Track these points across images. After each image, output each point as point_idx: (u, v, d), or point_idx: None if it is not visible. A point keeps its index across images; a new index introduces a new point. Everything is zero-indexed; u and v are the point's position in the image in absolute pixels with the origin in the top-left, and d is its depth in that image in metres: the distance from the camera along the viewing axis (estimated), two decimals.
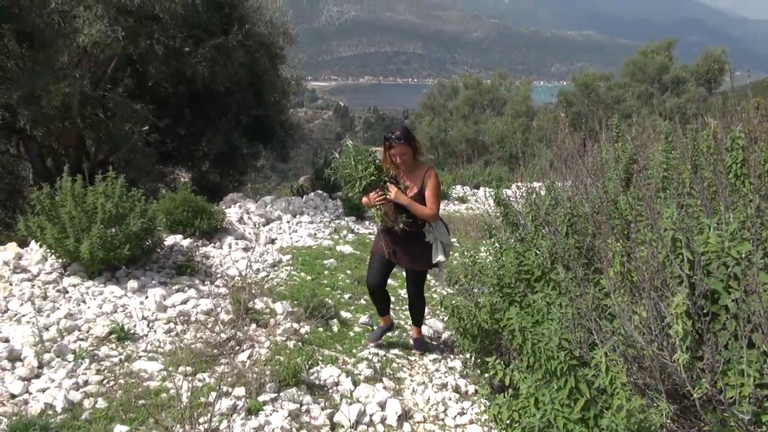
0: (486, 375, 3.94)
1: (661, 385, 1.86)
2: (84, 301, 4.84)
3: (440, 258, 4.14)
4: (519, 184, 5.80)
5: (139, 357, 3.99)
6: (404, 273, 4.60)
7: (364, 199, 4.05)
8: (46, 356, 3.76)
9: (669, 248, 1.92)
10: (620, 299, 2.11)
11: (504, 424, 2.66)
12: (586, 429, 2.23)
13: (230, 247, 7.02)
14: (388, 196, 3.92)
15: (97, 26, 8.68)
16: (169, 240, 6.57)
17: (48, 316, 4.44)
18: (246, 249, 6.99)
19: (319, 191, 10.97)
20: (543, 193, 4.37)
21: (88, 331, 4.26)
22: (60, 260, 5.41)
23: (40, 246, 5.38)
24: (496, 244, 3.99)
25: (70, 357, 3.80)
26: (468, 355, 3.99)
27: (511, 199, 4.44)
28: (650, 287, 1.92)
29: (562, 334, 2.47)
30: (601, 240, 2.69)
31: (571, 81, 30.64)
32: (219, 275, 5.97)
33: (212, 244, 7.05)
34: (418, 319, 4.65)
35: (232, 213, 8.60)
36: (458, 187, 14.41)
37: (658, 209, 2.45)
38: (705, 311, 1.89)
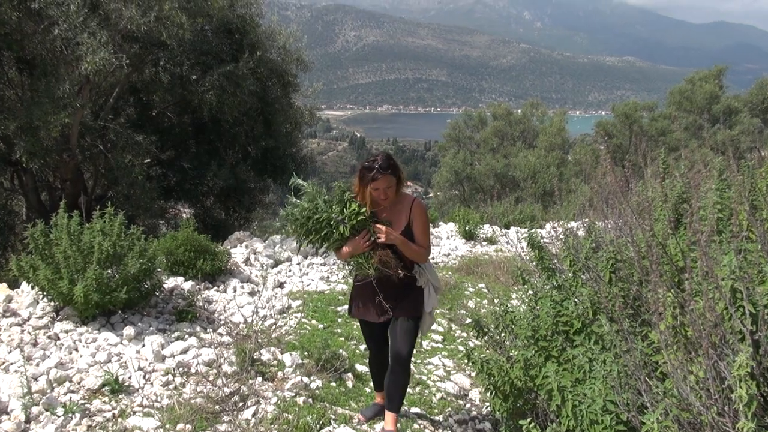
0: None
1: None
2: (76, 349, 4.87)
3: (434, 304, 3.76)
4: (554, 223, 5.78)
5: (134, 412, 3.98)
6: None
7: (345, 249, 3.46)
8: (35, 409, 3.77)
9: (728, 300, 1.89)
10: (673, 356, 2.06)
11: None
12: None
13: (235, 290, 7.05)
14: (379, 239, 3.43)
15: (101, 53, 9.01)
16: (170, 282, 6.63)
17: (38, 364, 4.47)
18: (252, 293, 7.01)
19: None
20: (582, 234, 4.34)
21: (79, 383, 4.28)
22: (52, 303, 5.48)
23: (32, 287, 5.46)
24: (530, 291, 3.95)
25: (60, 411, 3.81)
26: (499, 417, 3.92)
27: (546, 240, 4.42)
28: (708, 344, 1.88)
29: (606, 395, 2.42)
30: (650, 288, 2.66)
31: (611, 111, 30.76)
32: (222, 322, 5.99)
33: (216, 288, 7.10)
34: (397, 399, 3.76)
35: (238, 253, 8.67)
36: (486, 226, 14.37)
37: (714, 255, 2.43)
38: None
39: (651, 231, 3.63)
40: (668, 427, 2.01)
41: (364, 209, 3.39)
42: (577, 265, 3.65)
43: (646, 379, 2.40)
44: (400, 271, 3.46)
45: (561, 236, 4.14)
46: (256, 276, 7.79)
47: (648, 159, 5.86)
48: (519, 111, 33.51)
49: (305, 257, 9.05)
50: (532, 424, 2.95)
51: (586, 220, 4.62)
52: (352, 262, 3.52)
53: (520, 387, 3.51)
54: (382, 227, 3.43)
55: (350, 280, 8.15)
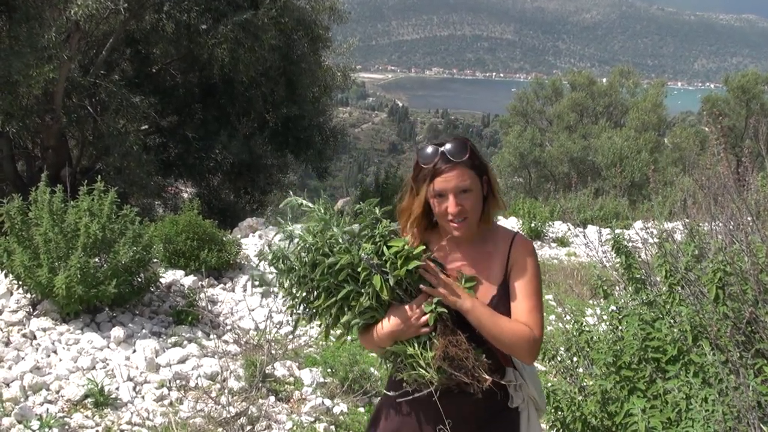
0: None
1: None
2: (55, 351, 5.02)
3: None
4: (645, 223, 5.68)
5: (122, 431, 4.09)
6: None
7: (385, 328, 2.18)
8: (5, 421, 3.91)
9: None
10: None
11: None
12: None
13: (245, 290, 7.16)
14: (450, 300, 2.13)
15: None
16: (167, 276, 6.76)
17: (10, 368, 4.63)
18: (266, 294, 7.11)
19: None
20: (681, 238, 4.27)
21: (58, 392, 4.42)
22: (29, 295, 5.65)
23: (6, 275, 5.64)
24: (613, 307, 3.91)
25: (35, 424, 3.94)
26: None
27: (634, 244, 4.36)
28: None
29: None
30: None
31: (723, 83, 30.02)
32: (229, 327, 6.10)
33: (222, 285, 7.22)
34: None
35: (250, 244, 8.80)
36: (557, 224, 14.26)
37: None
38: None
39: None
40: None
41: (420, 249, 2.12)
42: (674, 277, 3.60)
43: (761, 424, 2.36)
44: (486, 377, 2.10)
45: (654, 240, 4.09)
46: (271, 273, 7.88)
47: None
48: (604, 80, 33.01)
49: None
50: None
51: (687, 220, 4.55)
52: (394, 355, 2.23)
53: (594, 425, 3.49)
54: (453, 284, 2.16)
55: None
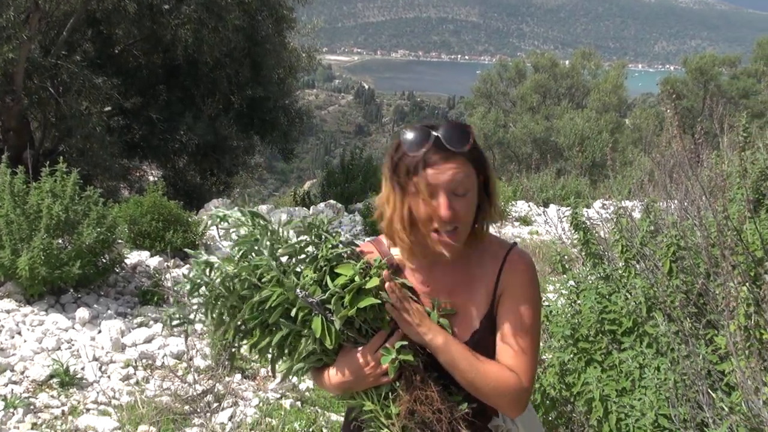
0: None
1: None
2: (20, 333, 4.96)
3: None
4: (604, 201, 5.76)
5: (88, 410, 4.07)
6: None
7: (335, 377, 1.67)
8: None
9: None
10: (744, 364, 2.09)
11: None
12: None
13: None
14: (416, 336, 1.63)
15: None
16: (132, 257, 6.71)
17: None
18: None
19: (332, 201, 11.09)
20: (638, 215, 4.35)
21: (23, 373, 4.37)
22: None
23: None
24: (571, 282, 3.98)
25: (0, 404, 3.90)
26: None
27: (593, 222, 4.43)
28: None
29: (659, 408, 2.46)
30: (719, 283, 2.68)
31: (682, 65, 30.44)
32: (195, 307, 6.07)
33: (187, 266, 7.18)
34: None
35: (215, 226, 8.73)
36: (520, 203, 14.38)
37: None
38: None
39: (724, 213, 3.64)
40: None
41: (378, 272, 1.61)
42: (630, 251, 3.66)
43: (709, 390, 2.43)
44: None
45: (612, 216, 4.16)
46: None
47: (725, 126, 5.84)
48: (567, 62, 33.22)
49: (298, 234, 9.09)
50: None
51: (645, 198, 4.63)
52: (354, 409, 1.75)
53: (553, 396, 3.56)
54: (420, 314, 1.63)
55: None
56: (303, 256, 1.59)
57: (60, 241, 5.53)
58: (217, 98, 14.51)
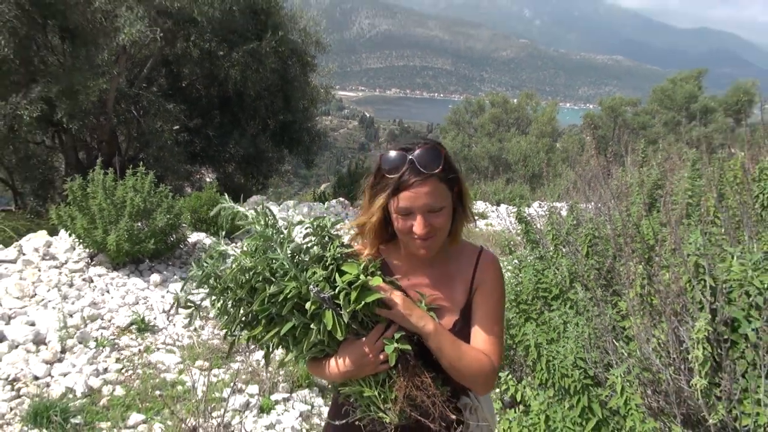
0: (497, 390, 3.92)
1: (676, 409, 1.84)
2: (108, 291, 4.93)
3: None
4: (541, 202, 5.76)
5: (158, 349, 4.05)
6: None
7: (339, 365, 1.39)
8: (69, 342, 3.84)
9: (692, 273, 1.91)
10: (639, 321, 2.09)
11: None
12: None
13: None
14: (412, 324, 1.38)
15: (137, 26, 8.91)
16: (193, 237, 6.67)
17: (73, 303, 4.53)
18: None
19: (341, 198, 11.05)
20: (565, 213, 4.36)
21: (110, 321, 4.35)
22: (87, 250, 5.53)
23: (70, 235, 5.50)
24: (516, 261, 3.98)
25: (92, 344, 3.88)
26: None
27: (532, 217, 4.43)
28: (671, 311, 1.91)
29: (577, 353, 2.46)
30: (622, 263, 2.68)
31: (598, 104, 30.46)
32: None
33: (234, 244, 7.14)
34: None
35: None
36: (479, 203, 14.37)
37: (682, 235, 2.44)
38: (725, 338, 1.88)
39: (627, 212, 3.64)
40: (630, 382, 2.05)
41: (374, 275, 1.38)
42: (558, 239, 3.67)
43: (613, 340, 2.43)
44: (452, 416, 1.38)
45: (546, 213, 4.16)
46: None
47: (629, 149, 5.85)
48: (515, 100, 33.16)
49: None
50: (509, 377, 3.01)
51: (570, 200, 4.64)
52: (351, 395, 1.44)
53: None
54: (414, 306, 1.41)
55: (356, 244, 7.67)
56: (309, 255, 1.31)
57: (139, 224, 5.49)
58: (257, 121, 14.41)
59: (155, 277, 5.26)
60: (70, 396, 3.26)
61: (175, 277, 5.52)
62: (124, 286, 5.09)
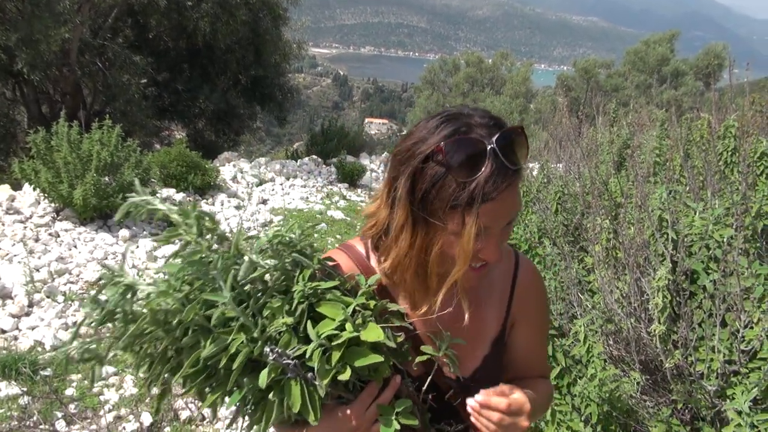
0: None
1: (635, 356, 1.92)
2: (75, 246, 4.84)
3: None
4: None
5: None
6: None
7: None
8: (37, 296, 3.78)
9: (655, 227, 1.96)
10: (604, 273, 2.15)
11: None
12: (559, 396, 2.30)
13: (222, 204, 7.02)
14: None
15: None
16: (162, 193, 6.55)
17: (39, 258, 4.44)
18: (238, 207, 6.99)
19: (314, 156, 10.94)
20: (536, 172, 4.40)
21: (78, 275, 4.28)
22: (53, 204, 5.39)
23: (34, 189, 5.35)
24: None
25: (60, 298, 3.83)
26: None
27: None
28: (633, 263, 1.96)
29: None
30: (590, 218, 2.73)
31: (572, 66, 30.48)
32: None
33: (204, 200, 7.05)
34: None
35: (226, 171, 8.57)
36: None
37: (648, 192, 2.49)
38: (684, 289, 1.94)
39: (596, 170, 3.70)
40: (593, 331, 2.12)
41: (367, 319, 0.84)
42: (528, 196, 3.71)
43: (579, 293, 2.50)
44: None
45: None
46: (242, 192, 7.74)
47: (600, 110, 5.89)
48: (490, 60, 32.93)
49: (287, 178, 8.99)
50: None
51: (542, 159, 4.67)
52: None
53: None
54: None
55: (328, 201, 8.42)
56: (265, 286, 0.83)
57: (106, 179, 5.37)
58: (228, 76, 14.03)
59: (124, 233, 5.18)
60: (39, 349, 3.23)
61: (145, 232, 5.44)
62: (93, 241, 5.00)
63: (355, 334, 0.79)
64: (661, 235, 1.96)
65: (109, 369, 3.08)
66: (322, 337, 0.79)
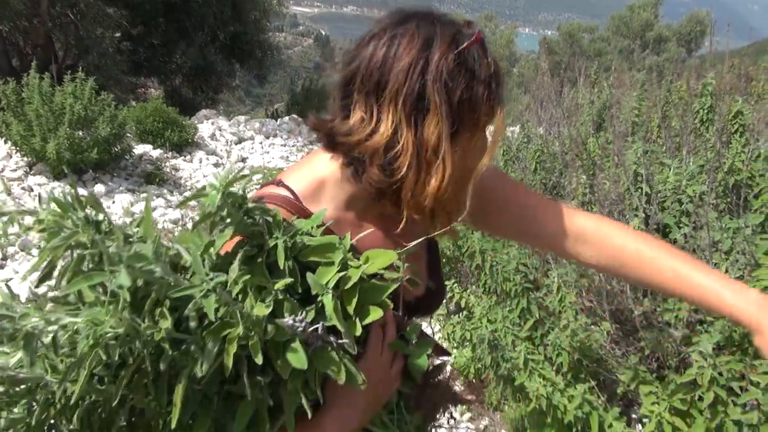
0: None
1: (606, 306, 1.97)
2: None
3: None
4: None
5: None
6: None
7: (367, 405, 0.76)
8: (11, 249, 3.73)
9: (630, 181, 1.99)
10: None
11: (456, 342, 2.80)
12: (532, 346, 2.37)
13: (201, 161, 6.92)
14: None
15: None
16: (139, 149, 6.43)
17: None
18: (216, 165, 6.91)
19: (294, 116, 10.79)
20: (517, 131, 4.41)
21: None
22: (25, 159, 5.26)
23: (5, 142, 5.21)
24: None
25: (35, 252, 3.77)
26: None
27: (488, 135, 4.46)
28: (608, 215, 2.00)
29: (520, 260, 2.57)
30: (568, 175, 2.76)
31: (557, 30, 30.25)
32: (189, 188, 5.92)
33: (182, 158, 6.94)
34: None
35: (204, 129, 8.41)
36: None
37: (625, 148, 2.52)
38: None
39: (576, 130, 3.71)
40: (565, 282, 2.17)
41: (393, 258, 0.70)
42: (508, 154, 3.72)
43: None
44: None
45: None
46: (221, 150, 7.63)
47: (582, 72, 5.88)
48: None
49: (267, 137, 8.87)
50: (455, 284, 3.13)
51: (523, 119, 4.68)
52: None
53: (448, 255, 3.67)
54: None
55: None
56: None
57: (80, 133, 5.24)
58: (205, 31, 13.61)
59: (100, 188, 5.10)
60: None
61: (121, 188, 5.36)
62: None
63: (365, 267, 0.67)
64: (636, 189, 1.99)
65: None
66: (330, 285, 0.65)
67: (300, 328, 0.62)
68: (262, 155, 7.97)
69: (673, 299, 1.90)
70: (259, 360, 0.59)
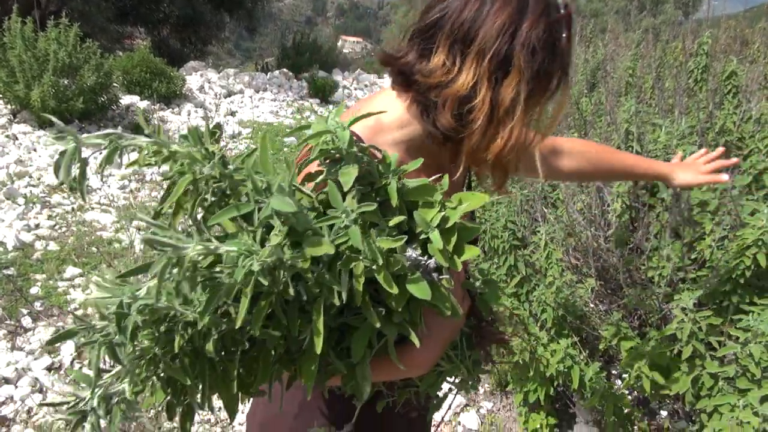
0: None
1: (591, 263, 1.99)
2: (35, 150, 4.68)
3: None
4: None
5: (92, 208, 3.95)
6: None
7: (454, 326, 0.81)
8: None
9: (621, 139, 1.98)
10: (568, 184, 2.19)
11: None
12: (518, 302, 2.40)
13: (189, 114, 6.80)
14: None
15: None
16: (125, 100, 6.29)
17: None
18: (205, 118, 6.79)
19: (285, 70, 10.57)
20: None
21: (39, 179, 4.16)
22: (9, 106, 5.14)
23: None
24: None
25: (21, 201, 3.73)
26: None
27: None
28: None
29: (508, 217, 2.58)
30: (560, 133, 2.74)
31: None
32: (177, 140, 5.83)
33: (170, 110, 6.81)
34: None
35: (193, 81, 8.24)
36: None
37: (617, 105, 2.50)
38: (643, 203, 2.00)
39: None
40: (552, 238, 2.18)
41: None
42: None
43: (543, 207, 2.55)
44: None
45: None
46: (210, 103, 7.49)
47: (577, 32, 5.78)
48: None
49: (256, 91, 8.71)
50: None
51: None
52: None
53: None
54: None
55: (299, 116, 8.26)
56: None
57: (65, 81, 5.10)
58: None
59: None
60: (1, 249, 3.18)
61: None
62: (53, 146, 4.82)
63: (462, 207, 0.68)
64: (627, 147, 1.99)
65: (74, 270, 3.06)
66: (434, 224, 0.66)
67: (423, 261, 0.66)
68: (251, 109, 7.84)
69: (657, 258, 1.93)
70: (394, 290, 0.61)
